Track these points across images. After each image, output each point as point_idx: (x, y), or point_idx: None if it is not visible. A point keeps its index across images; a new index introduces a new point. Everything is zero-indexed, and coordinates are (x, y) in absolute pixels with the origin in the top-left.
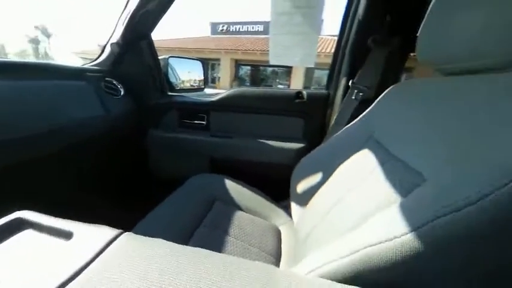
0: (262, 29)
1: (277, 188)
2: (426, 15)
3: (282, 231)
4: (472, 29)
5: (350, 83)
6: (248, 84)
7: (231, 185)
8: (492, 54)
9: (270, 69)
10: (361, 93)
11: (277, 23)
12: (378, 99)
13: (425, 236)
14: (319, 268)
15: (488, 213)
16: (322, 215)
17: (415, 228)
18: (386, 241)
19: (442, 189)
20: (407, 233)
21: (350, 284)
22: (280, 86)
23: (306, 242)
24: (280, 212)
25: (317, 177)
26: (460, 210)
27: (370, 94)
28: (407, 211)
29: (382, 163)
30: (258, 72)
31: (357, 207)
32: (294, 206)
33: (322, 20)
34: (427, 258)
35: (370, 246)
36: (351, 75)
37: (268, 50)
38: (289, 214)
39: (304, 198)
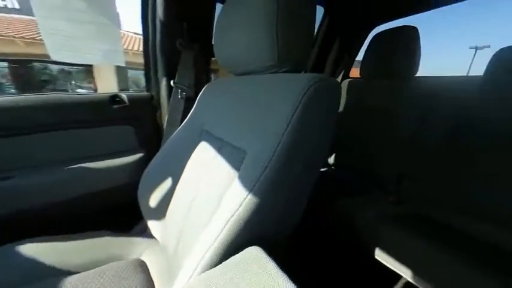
0: (17, 6)
1: (126, 213)
2: (213, 33)
3: (146, 260)
4: (242, 44)
5: (172, 83)
6: (14, 90)
7: (36, 249)
8: (257, 61)
9: (57, 67)
10: (184, 93)
11: (42, 2)
12: (198, 96)
13: (258, 191)
14: (197, 268)
15: (279, 162)
16: (183, 218)
17: (251, 188)
18: (238, 208)
19: (256, 156)
20: (248, 194)
21: (228, 258)
22: (81, 91)
23: (177, 253)
24: (137, 240)
25: (167, 184)
26: (267, 167)
27: (192, 93)
28: (243, 179)
29: (219, 149)
30: (32, 70)
31: (210, 195)
32: (152, 224)
33: (117, 13)
34: (264, 205)
35: (231, 217)
36: (170, 76)
37: (40, 39)
38: (150, 235)
39: (161, 211)
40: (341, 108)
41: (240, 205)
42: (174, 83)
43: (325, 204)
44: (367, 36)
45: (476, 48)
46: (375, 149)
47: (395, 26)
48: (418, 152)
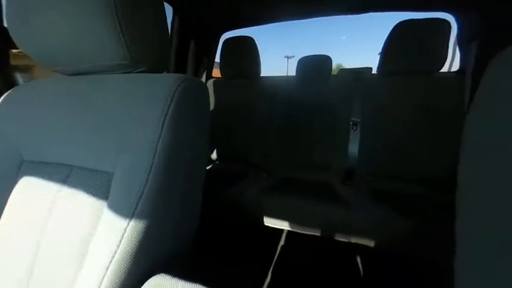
0: None
1: None
2: (5, 12)
3: None
4: (66, 35)
5: None
6: None
7: None
8: (102, 59)
9: None
10: None
11: None
12: None
13: (140, 215)
14: None
15: (160, 174)
16: None
17: (130, 216)
18: (119, 245)
19: (129, 174)
20: (129, 224)
21: None
22: None
23: None
24: None
25: None
26: (147, 183)
27: None
28: (117, 208)
29: (64, 180)
30: None
31: (68, 245)
32: None
33: None
34: (153, 228)
35: (112, 259)
36: None
37: None
38: None
39: None
40: (212, 107)
41: (121, 241)
42: None
43: (217, 197)
44: (219, 40)
45: (288, 57)
46: (246, 139)
47: (239, 35)
48: (273, 134)
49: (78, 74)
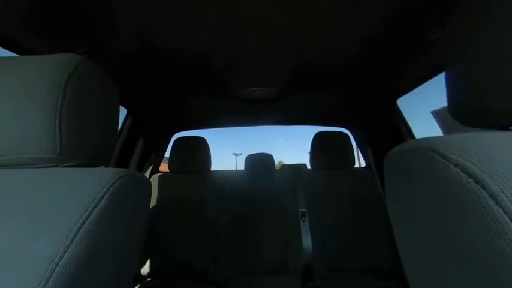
0: None
1: None
2: None
3: None
4: None
5: None
6: None
7: None
8: (17, 151)
9: None
10: None
11: None
12: None
13: None
14: None
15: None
16: None
17: None
18: None
19: None
20: None
21: None
22: None
23: None
24: None
25: None
26: None
27: None
28: None
29: None
30: None
31: None
32: None
33: None
34: None
35: None
36: None
37: None
38: None
39: None
40: (154, 203)
41: None
42: None
43: None
44: (171, 138)
45: (236, 154)
46: (191, 241)
47: (191, 135)
48: (223, 232)
49: None
